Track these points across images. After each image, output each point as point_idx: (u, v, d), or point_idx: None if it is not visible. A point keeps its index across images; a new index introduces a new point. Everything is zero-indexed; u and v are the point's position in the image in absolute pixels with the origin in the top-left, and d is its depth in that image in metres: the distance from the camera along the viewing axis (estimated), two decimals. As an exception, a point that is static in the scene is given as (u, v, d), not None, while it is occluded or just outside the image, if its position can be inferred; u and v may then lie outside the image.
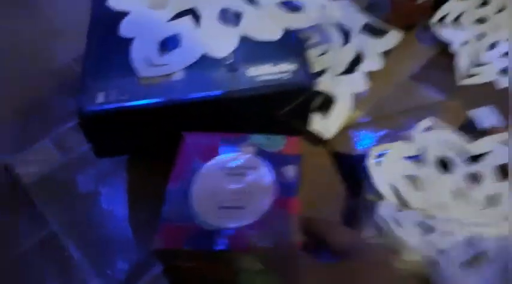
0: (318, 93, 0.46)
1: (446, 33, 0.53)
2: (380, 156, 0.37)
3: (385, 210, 0.33)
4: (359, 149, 0.46)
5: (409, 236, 0.31)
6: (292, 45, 0.40)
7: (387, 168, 0.36)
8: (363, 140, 0.47)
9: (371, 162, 0.36)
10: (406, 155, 0.37)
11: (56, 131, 0.49)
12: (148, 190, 0.41)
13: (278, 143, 0.35)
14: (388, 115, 0.49)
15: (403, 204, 0.34)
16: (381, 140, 0.47)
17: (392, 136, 0.45)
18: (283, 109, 0.39)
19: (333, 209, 0.42)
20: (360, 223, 0.38)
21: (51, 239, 0.41)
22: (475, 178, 0.37)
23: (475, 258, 0.30)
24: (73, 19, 0.56)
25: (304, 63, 0.39)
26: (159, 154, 0.40)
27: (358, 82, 0.50)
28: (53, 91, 0.53)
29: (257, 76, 0.37)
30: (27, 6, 0.61)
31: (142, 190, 0.44)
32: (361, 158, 0.45)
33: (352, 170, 0.44)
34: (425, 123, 0.41)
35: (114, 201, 0.43)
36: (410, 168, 0.36)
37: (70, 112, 0.51)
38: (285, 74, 0.38)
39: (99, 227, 0.41)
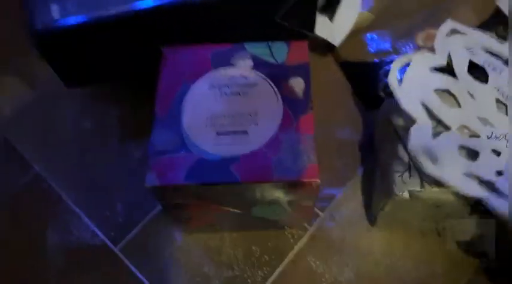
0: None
1: None
2: (403, 68, 0.31)
3: (419, 134, 0.28)
4: (372, 55, 0.40)
5: (449, 172, 0.27)
6: None
7: (413, 82, 0.30)
8: (375, 45, 0.41)
9: (394, 77, 0.30)
10: (433, 66, 0.31)
11: (17, 64, 0.42)
12: (139, 122, 0.37)
13: (280, 51, 0.29)
14: (400, 14, 0.42)
15: (439, 123, 0.29)
16: (397, 42, 0.41)
17: (409, 36, 0.39)
18: (281, 9, 0.32)
19: (348, 130, 0.37)
20: (382, 150, 0.33)
21: (38, 183, 0.37)
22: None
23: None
24: None
25: None
26: (143, 79, 0.35)
27: (367, -27, 0.41)
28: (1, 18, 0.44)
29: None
30: None
31: (131, 124, 0.39)
32: (375, 66, 0.40)
33: (366, 82, 0.39)
34: (446, 26, 0.34)
35: (101, 138, 0.38)
36: (441, 81, 0.30)
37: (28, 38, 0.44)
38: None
39: (88, 168, 0.37)
